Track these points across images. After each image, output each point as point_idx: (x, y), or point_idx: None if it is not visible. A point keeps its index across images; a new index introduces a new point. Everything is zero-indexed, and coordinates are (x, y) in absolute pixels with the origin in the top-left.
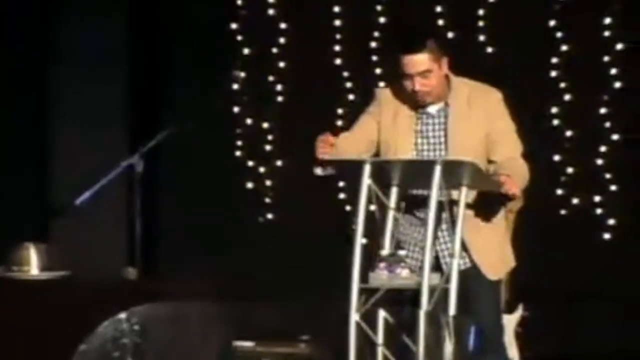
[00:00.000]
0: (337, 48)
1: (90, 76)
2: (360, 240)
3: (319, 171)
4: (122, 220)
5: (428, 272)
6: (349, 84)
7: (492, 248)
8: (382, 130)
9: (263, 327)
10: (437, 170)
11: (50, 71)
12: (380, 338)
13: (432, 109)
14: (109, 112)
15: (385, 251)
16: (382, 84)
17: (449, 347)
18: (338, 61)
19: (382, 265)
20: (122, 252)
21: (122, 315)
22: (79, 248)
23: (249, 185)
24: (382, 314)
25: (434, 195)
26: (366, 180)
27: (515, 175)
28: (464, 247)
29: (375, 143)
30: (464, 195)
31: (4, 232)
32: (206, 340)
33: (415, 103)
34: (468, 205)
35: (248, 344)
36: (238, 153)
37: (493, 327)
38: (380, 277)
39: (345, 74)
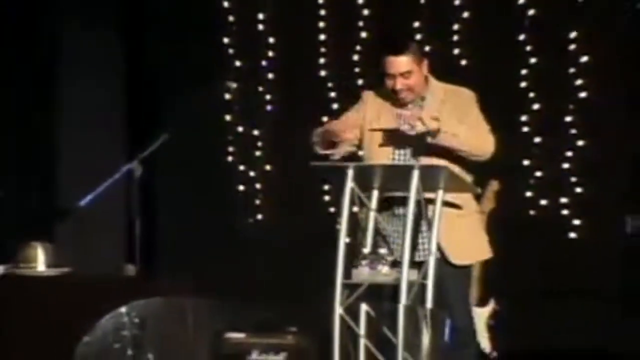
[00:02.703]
0: (322, 61)
1: (92, 86)
2: (343, 239)
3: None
4: (122, 221)
5: (407, 269)
6: (332, 94)
7: (462, 238)
8: (367, 125)
9: (253, 320)
10: (415, 175)
11: (55, 81)
12: (362, 330)
13: (411, 106)
14: (110, 121)
15: (367, 249)
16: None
17: (426, 339)
18: (323, 73)
19: (364, 262)
20: (122, 251)
21: (123, 309)
22: (82, 246)
23: (240, 188)
24: (364, 307)
25: (413, 197)
26: (349, 184)
27: (462, 137)
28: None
29: (358, 131)
30: (440, 197)
31: (13, 232)
32: (200, 332)
33: (396, 102)
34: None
35: (239, 335)
36: (230, 158)
37: (462, 314)
38: (363, 273)
39: (330, 84)
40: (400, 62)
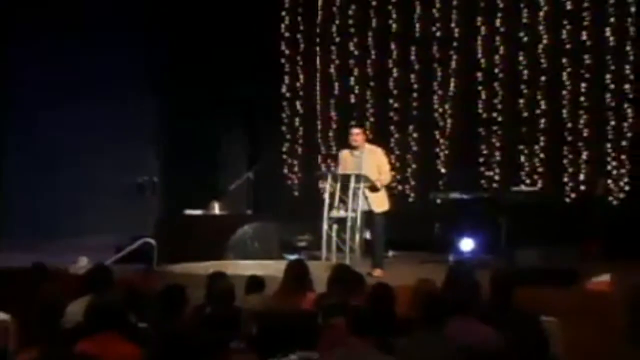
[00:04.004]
0: (318, 135)
1: (235, 135)
2: (327, 201)
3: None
4: (245, 196)
5: (350, 213)
6: (323, 149)
7: (379, 200)
8: (342, 163)
9: (294, 230)
10: (352, 178)
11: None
12: (334, 234)
13: (358, 153)
14: (236, 153)
15: (336, 205)
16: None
17: (357, 237)
18: (318, 141)
19: (334, 210)
20: (245, 205)
21: (246, 226)
22: (230, 203)
23: (289, 182)
24: (334, 226)
25: (352, 186)
26: (329, 180)
27: (380, 180)
28: (367, 201)
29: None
30: (362, 185)
31: (204, 199)
32: (274, 234)
33: (351, 150)
34: (372, 188)
35: (291, 235)
36: (285, 171)
37: (379, 230)
38: (334, 213)
39: (322, 148)
40: (356, 129)
